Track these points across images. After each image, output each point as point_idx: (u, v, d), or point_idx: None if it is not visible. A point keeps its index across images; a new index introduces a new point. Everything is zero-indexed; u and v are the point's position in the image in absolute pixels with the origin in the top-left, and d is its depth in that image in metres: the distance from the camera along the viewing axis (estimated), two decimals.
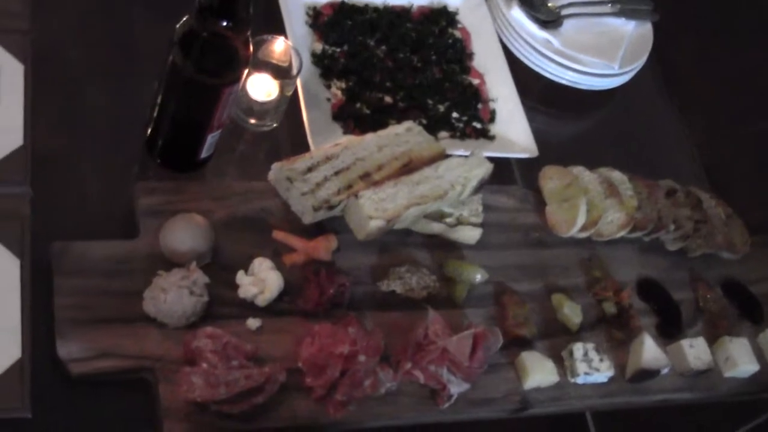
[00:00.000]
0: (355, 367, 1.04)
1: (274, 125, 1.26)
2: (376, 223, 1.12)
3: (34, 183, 1.08)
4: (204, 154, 1.16)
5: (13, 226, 1.05)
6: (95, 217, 1.11)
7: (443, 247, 1.24)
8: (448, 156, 1.24)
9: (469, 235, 1.24)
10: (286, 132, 1.26)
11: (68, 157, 1.14)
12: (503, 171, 1.33)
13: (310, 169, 1.15)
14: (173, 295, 1.01)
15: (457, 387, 1.10)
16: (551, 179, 1.33)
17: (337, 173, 1.16)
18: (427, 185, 1.18)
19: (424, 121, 1.33)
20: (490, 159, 1.25)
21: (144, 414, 1.00)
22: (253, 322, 1.07)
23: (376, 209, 1.13)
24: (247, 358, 1.01)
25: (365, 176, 1.17)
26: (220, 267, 1.10)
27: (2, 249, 1.03)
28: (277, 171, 1.14)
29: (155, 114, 1.13)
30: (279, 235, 1.14)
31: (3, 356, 0.96)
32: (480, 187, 1.24)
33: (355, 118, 1.30)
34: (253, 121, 1.25)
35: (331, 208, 1.13)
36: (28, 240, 1.05)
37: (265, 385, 0.99)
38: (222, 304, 1.07)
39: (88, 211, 1.12)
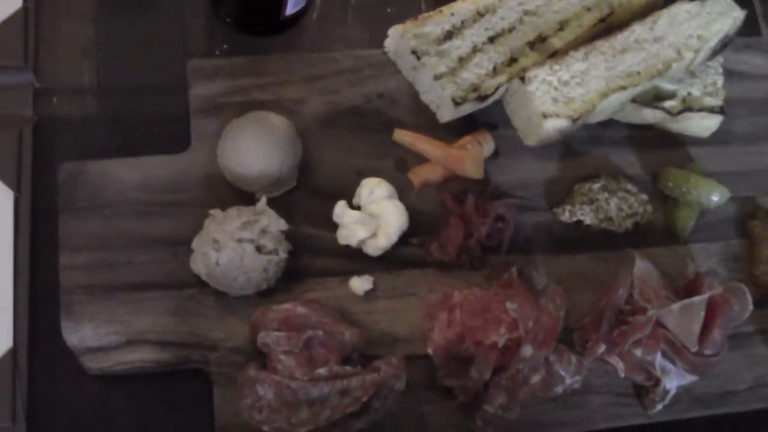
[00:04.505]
0: (516, 364, 0.66)
1: None
2: (554, 123, 0.70)
3: (38, 68, 0.73)
4: (291, 8, 0.77)
5: (6, 140, 0.71)
6: (125, 121, 0.74)
7: (659, 144, 0.81)
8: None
9: (702, 125, 0.80)
10: None
11: (86, 26, 0.77)
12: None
13: (450, 34, 0.73)
14: (230, 254, 0.65)
15: (676, 380, 0.71)
16: None
17: (492, 39, 0.74)
18: (637, 55, 0.74)
19: None
20: None
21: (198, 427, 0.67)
22: (359, 283, 0.70)
23: (555, 100, 0.71)
24: (344, 360, 0.65)
25: (538, 42, 0.74)
26: (311, 193, 0.72)
27: None
28: (397, 38, 0.73)
29: None
30: (403, 136, 0.75)
31: None
32: (722, 49, 0.79)
33: None
34: None
35: (482, 98, 0.72)
36: (29, 162, 0.71)
37: (371, 401, 0.63)
38: (313, 254, 0.71)
39: (114, 111, 0.75)
